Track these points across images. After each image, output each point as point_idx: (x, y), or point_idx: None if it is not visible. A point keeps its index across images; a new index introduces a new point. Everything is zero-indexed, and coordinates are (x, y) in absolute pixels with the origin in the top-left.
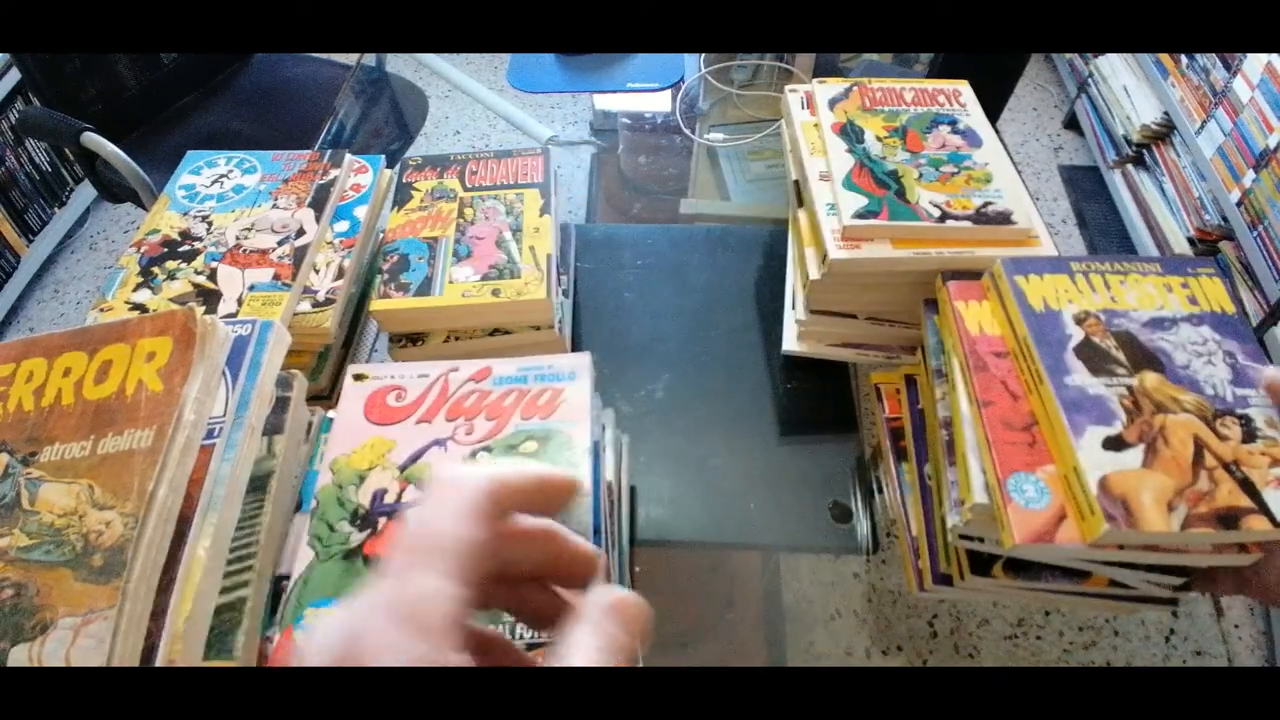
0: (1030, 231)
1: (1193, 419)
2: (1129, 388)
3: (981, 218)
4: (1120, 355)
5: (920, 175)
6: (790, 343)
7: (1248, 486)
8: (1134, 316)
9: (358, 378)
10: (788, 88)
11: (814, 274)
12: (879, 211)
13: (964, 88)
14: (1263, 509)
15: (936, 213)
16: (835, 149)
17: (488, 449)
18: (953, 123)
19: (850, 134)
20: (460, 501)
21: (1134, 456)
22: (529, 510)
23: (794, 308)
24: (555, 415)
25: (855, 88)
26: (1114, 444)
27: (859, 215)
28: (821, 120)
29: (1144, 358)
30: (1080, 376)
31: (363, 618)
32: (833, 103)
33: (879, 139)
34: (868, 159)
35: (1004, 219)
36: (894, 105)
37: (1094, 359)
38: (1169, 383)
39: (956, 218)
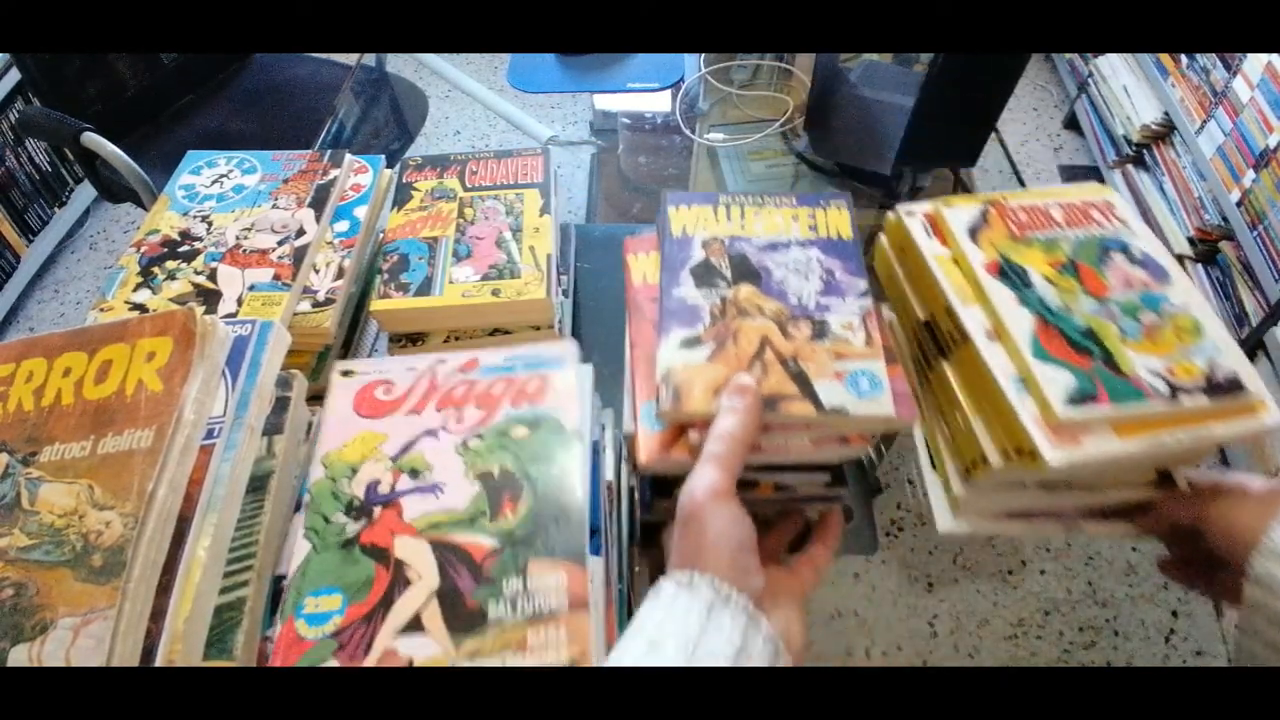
0: (1262, 400)
1: (768, 322)
2: (723, 298)
3: (1215, 389)
4: (727, 272)
5: (1122, 332)
6: (946, 522)
7: (800, 377)
8: (755, 241)
9: (345, 373)
10: (903, 209)
11: (996, 461)
12: (1094, 393)
13: (1112, 196)
14: (808, 395)
15: (1162, 386)
16: (1001, 298)
17: (479, 436)
18: (1124, 249)
19: (1012, 275)
20: None
21: (703, 353)
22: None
23: (933, 470)
24: (544, 401)
25: (991, 208)
26: (690, 343)
27: (1073, 401)
28: (969, 256)
29: (747, 273)
30: (686, 290)
31: None
32: (973, 232)
33: (1048, 280)
34: (1049, 312)
35: (1235, 386)
36: (1046, 229)
37: (704, 275)
38: (760, 293)
39: (1186, 390)
